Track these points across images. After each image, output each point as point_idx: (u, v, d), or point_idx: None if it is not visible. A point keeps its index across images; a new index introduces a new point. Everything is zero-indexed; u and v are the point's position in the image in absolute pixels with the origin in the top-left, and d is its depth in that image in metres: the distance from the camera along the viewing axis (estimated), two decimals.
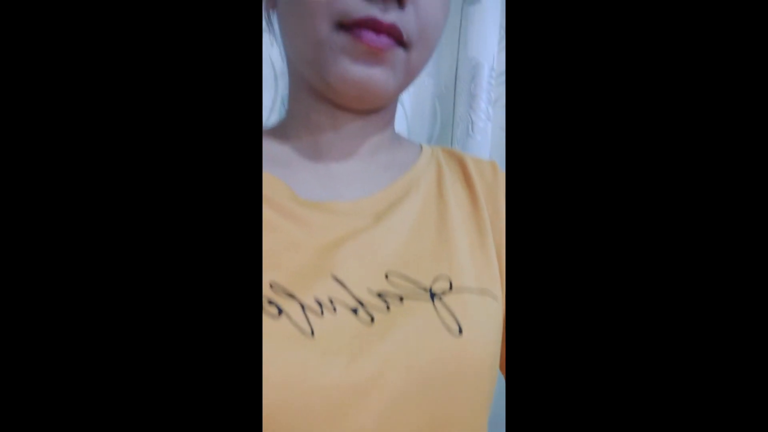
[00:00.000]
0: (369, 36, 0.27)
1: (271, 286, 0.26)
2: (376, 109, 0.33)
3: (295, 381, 0.24)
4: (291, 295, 0.26)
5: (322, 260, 0.28)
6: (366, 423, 0.24)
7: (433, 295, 0.27)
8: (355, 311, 0.26)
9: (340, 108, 0.32)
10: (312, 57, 0.29)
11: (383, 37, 0.27)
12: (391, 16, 0.27)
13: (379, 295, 0.27)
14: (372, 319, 0.26)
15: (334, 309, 0.26)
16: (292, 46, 0.31)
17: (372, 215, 0.30)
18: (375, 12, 0.27)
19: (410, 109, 0.69)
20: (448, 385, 0.26)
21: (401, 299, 0.27)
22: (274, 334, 0.25)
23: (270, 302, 0.26)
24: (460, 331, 0.26)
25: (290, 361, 0.24)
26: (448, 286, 0.28)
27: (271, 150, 0.34)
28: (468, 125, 0.63)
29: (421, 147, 0.39)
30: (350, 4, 0.27)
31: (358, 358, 0.25)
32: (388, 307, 0.27)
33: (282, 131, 0.35)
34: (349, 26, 0.27)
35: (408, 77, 0.32)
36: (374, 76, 0.29)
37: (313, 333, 0.25)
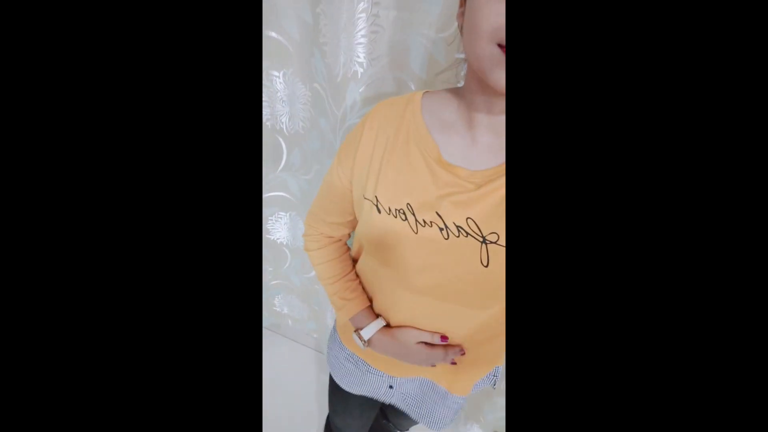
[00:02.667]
0: None
1: (407, 204, 0.50)
2: None
3: (400, 242, 0.52)
4: (413, 213, 0.50)
5: (437, 201, 0.49)
6: (426, 277, 0.53)
7: (484, 240, 0.48)
8: (441, 230, 0.49)
9: (494, 95, 0.45)
10: (478, 64, 0.40)
11: None
12: None
13: (458, 227, 0.49)
14: (448, 237, 0.49)
15: (431, 225, 0.49)
16: (468, 51, 0.42)
17: (476, 184, 0.48)
18: None
19: None
20: (472, 282, 0.51)
21: (467, 234, 0.49)
22: (401, 227, 0.51)
23: (403, 212, 0.50)
24: (487, 265, 0.48)
25: (404, 237, 0.51)
26: (495, 239, 0.48)
27: (446, 109, 0.52)
28: None
29: None
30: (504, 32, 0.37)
31: (434, 252, 0.50)
32: (458, 235, 0.49)
33: (458, 94, 0.52)
34: (503, 46, 0.37)
35: None
36: None
37: (417, 232, 0.50)
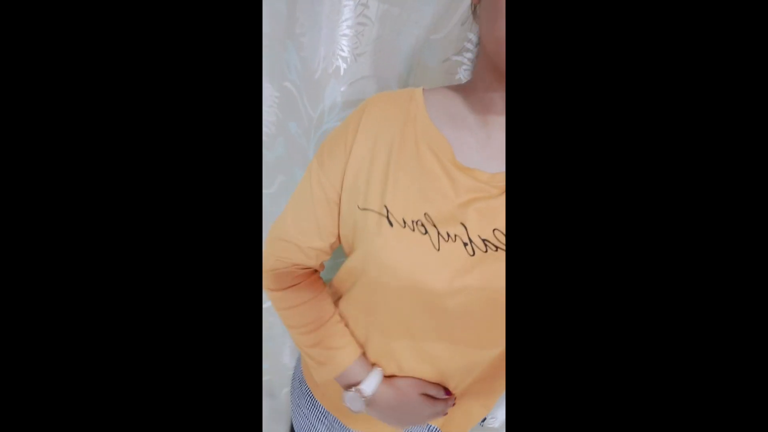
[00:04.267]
0: None
1: (425, 215, 0.42)
2: None
3: (416, 266, 0.42)
4: (434, 225, 0.42)
5: (458, 210, 0.42)
6: (443, 312, 0.43)
7: None
8: (465, 245, 0.41)
9: None
10: (498, 47, 0.35)
11: None
12: None
13: (484, 241, 0.41)
14: (474, 253, 0.41)
15: (455, 240, 0.41)
16: (486, 34, 0.38)
17: (500, 189, 0.42)
18: None
19: None
20: (503, 306, 0.42)
21: (496, 248, 0.41)
22: (422, 243, 0.42)
23: (422, 224, 0.41)
24: None
25: (424, 255, 0.42)
26: None
27: (454, 107, 0.45)
28: None
29: None
30: None
31: (460, 273, 0.41)
32: (486, 250, 0.41)
33: (466, 91, 0.46)
34: None
35: None
36: None
37: (438, 248, 0.41)
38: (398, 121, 0.44)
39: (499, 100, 0.42)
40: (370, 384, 0.48)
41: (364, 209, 0.43)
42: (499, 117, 0.43)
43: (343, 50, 0.62)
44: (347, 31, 0.60)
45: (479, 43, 0.46)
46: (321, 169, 0.47)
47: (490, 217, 0.41)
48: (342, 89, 0.65)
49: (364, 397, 0.48)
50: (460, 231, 0.41)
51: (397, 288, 0.43)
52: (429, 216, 0.41)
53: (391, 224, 0.42)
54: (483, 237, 0.41)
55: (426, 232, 0.41)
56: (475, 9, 0.43)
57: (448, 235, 0.41)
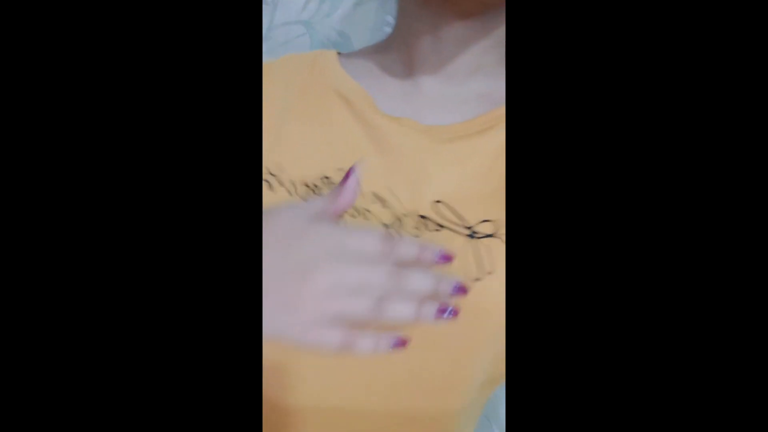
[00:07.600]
0: None
1: (325, 178, 0.32)
2: (479, 12, 0.32)
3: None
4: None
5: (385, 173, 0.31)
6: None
7: (472, 234, 0.28)
8: (386, 226, 0.29)
9: (442, 16, 0.32)
10: None
11: None
12: None
13: (422, 217, 0.29)
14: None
15: (366, 217, 0.30)
16: None
17: (442, 142, 0.32)
18: None
19: None
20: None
21: (440, 226, 0.29)
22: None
23: (320, 189, 0.31)
24: (491, 271, 0.28)
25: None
26: (492, 230, 0.28)
27: (366, 63, 0.38)
28: None
29: None
30: None
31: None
32: (431, 229, 0.29)
33: (384, 46, 0.39)
34: None
35: None
36: None
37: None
38: (303, 71, 0.38)
39: (434, 52, 0.34)
40: None
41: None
42: (432, 79, 0.35)
43: None
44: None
45: None
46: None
47: (431, 183, 0.30)
48: None
49: None
50: (374, 207, 0.30)
51: None
52: (330, 181, 0.32)
53: (271, 187, 0.33)
54: (421, 213, 0.29)
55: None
56: None
57: (357, 212, 0.30)
